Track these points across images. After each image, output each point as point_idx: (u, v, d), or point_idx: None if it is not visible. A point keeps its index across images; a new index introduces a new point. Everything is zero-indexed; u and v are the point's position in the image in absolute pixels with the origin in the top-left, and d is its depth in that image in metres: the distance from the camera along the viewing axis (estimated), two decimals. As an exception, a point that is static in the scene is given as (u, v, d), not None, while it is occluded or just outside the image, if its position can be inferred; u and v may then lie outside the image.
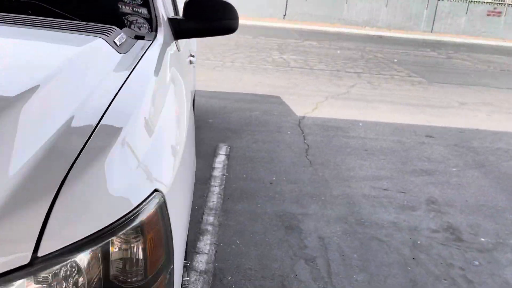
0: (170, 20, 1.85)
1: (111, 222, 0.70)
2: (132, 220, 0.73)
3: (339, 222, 2.76)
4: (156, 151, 0.91)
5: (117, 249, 0.72)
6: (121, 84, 1.02)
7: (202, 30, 1.94)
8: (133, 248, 0.74)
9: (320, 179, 3.40)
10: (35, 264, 0.62)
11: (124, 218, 0.72)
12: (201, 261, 2.24)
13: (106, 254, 0.71)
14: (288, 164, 3.65)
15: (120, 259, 0.73)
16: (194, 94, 3.74)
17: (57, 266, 0.65)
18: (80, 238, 0.67)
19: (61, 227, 0.65)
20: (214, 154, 3.70)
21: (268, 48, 10.64)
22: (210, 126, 4.47)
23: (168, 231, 0.83)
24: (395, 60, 10.39)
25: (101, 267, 0.71)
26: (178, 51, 1.90)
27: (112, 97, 0.95)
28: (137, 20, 1.67)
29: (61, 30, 1.22)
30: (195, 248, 2.34)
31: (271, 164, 3.61)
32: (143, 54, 1.31)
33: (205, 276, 2.13)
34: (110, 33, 1.30)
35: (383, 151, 4.14)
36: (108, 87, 0.99)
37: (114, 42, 1.26)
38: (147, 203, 0.77)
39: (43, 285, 0.64)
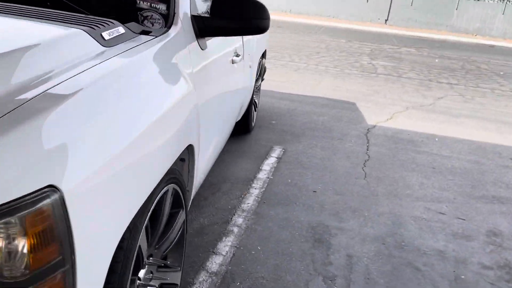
0: (194, 17, 1.84)
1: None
2: (10, 212, 0.73)
3: (375, 242, 2.55)
4: (74, 149, 0.88)
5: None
6: (76, 74, 1.03)
7: (229, 29, 1.91)
8: (10, 240, 0.74)
9: (370, 193, 3.18)
10: None
11: (1, 207, 0.72)
12: (215, 262, 2.21)
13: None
14: (340, 174, 3.47)
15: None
16: (252, 95, 3.73)
17: None
18: None
19: None
20: (266, 156, 3.65)
21: (359, 52, 10.27)
22: (272, 127, 4.42)
23: (64, 230, 0.80)
24: (501, 73, 9.39)
25: None
26: (202, 49, 1.88)
27: (53, 84, 0.95)
28: (152, 15, 1.68)
29: (50, 21, 1.27)
30: (213, 248, 2.32)
31: (322, 172, 3.46)
32: (130, 48, 1.31)
33: (214, 278, 2.10)
34: (101, 26, 1.32)
35: (453, 171, 3.75)
36: (59, 73, 1.01)
37: (101, 35, 1.28)
38: (35, 197, 0.76)
39: None
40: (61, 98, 0.94)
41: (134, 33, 1.47)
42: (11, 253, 0.74)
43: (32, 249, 0.76)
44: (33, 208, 0.75)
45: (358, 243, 2.52)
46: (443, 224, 2.84)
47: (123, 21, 1.56)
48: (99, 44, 1.25)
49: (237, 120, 3.49)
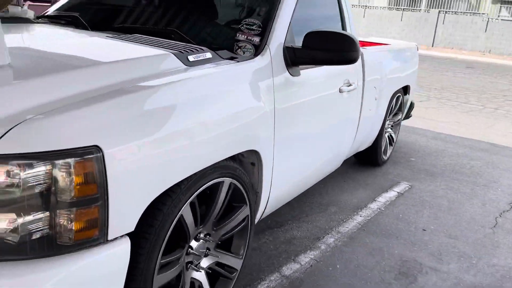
0: (287, 48, 2.17)
1: (52, 149, 1.16)
2: (70, 155, 1.17)
3: (468, 290, 2.36)
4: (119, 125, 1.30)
5: (55, 169, 1.17)
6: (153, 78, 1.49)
7: (318, 60, 2.17)
8: (65, 174, 1.18)
9: (490, 243, 2.89)
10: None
11: (59, 152, 1.17)
12: (291, 268, 2.41)
13: (49, 170, 1.17)
14: (464, 219, 3.23)
15: (53, 178, 1.18)
16: (382, 129, 3.77)
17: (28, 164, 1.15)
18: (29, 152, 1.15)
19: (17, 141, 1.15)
20: (387, 190, 3.64)
21: (559, 98, 8.85)
22: (408, 164, 4.32)
23: (102, 178, 1.22)
24: None
25: (47, 180, 1.18)
26: (292, 75, 2.18)
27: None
28: (246, 45, 2.08)
29: (155, 47, 1.77)
30: (295, 257, 2.53)
31: (442, 214, 3.28)
32: (208, 68, 1.72)
33: (284, 280, 2.31)
34: (190, 51, 1.77)
35: None
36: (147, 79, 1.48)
37: (187, 57, 1.72)
38: (83, 151, 1.19)
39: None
40: (135, 92, 1.40)
41: (220, 58, 1.88)
42: (65, 182, 1.19)
43: (77, 184, 1.20)
44: (82, 157, 1.19)
45: (442, 285, 2.38)
46: None
47: (230, 50, 2.01)
48: (182, 64, 1.69)
49: (358, 151, 3.61)
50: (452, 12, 19.68)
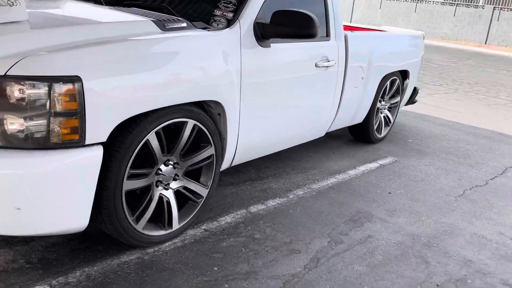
0: (257, 23, 2.65)
1: (48, 75, 1.74)
2: (58, 79, 1.75)
3: (406, 237, 2.74)
4: (99, 64, 1.86)
5: (50, 89, 1.75)
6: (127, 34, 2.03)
7: (283, 34, 2.64)
8: (55, 93, 1.75)
9: (447, 208, 3.23)
10: (6, 76, 1.72)
11: (52, 77, 1.74)
12: (256, 208, 2.90)
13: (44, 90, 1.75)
14: (433, 189, 3.56)
15: (48, 94, 1.75)
16: (373, 108, 4.13)
17: (31, 83, 1.74)
18: (28, 75, 1.73)
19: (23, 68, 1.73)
20: (370, 161, 4.02)
21: None
22: (403, 144, 4.64)
23: (81, 98, 1.78)
24: None
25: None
26: (262, 46, 2.66)
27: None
28: (220, 19, 2.58)
29: (140, 15, 2.32)
30: (263, 201, 3.01)
31: (414, 183, 3.62)
32: (179, 32, 2.25)
33: (248, 215, 2.80)
34: (168, 20, 2.30)
35: None
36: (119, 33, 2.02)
37: (163, 25, 2.26)
38: (70, 77, 1.76)
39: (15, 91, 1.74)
40: (114, 43, 1.95)
41: (194, 27, 2.40)
42: (56, 99, 1.76)
43: (64, 101, 1.76)
44: (67, 83, 1.76)
45: (387, 233, 2.78)
46: None
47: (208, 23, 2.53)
48: (158, 29, 2.23)
49: (347, 125, 4.00)
50: (508, 9, 18.94)
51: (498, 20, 18.91)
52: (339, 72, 3.47)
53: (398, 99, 4.67)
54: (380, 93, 4.24)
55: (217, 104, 2.46)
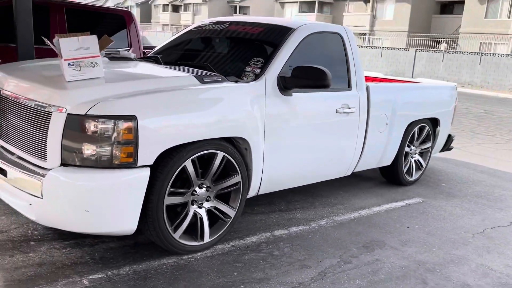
0: (281, 77, 3.24)
1: (114, 114, 2.42)
2: (119, 117, 2.42)
3: (410, 262, 3.03)
4: (151, 107, 2.52)
5: (114, 124, 2.43)
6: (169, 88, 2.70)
7: (302, 85, 3.22)
8: (118, 127, 2.42)
9: (462, 242, 3.45)
10: (86, 116, 2.42)
11: (117, 116, 2.42)
12: (280, 232, 3.35)
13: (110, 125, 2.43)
14: (453, 226, 3.79)
15: (113, 128, 2.43)
16: (401, 152, 4.49)
17: (102, 121, 2.43)
18: (100, 114, 2.42)
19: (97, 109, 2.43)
20: (397, 200, 4.31)
21: None
22: (436, 188, 4.87)
23: (136, 132, 2.43)
24: None
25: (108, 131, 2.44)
26: (284, 95, 3.24)
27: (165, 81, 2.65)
28: (249, 74, 3.21)
29: (184, 71, 3.01)
30: (287, 228, 3.45)
31: (435, 221, 3.87)
32: (214, 84, 2.89)
33: (271, 237, 3.26)
34: (207, 75, 2.96)
35: None
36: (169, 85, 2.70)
37: (202, 79, 2.92)
38: (128, 117, 2.43)
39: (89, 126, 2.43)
40: (162, 92, 2.63)
41: (227, 80, 3.05)
42: (118, 132, 2.42)
43: (123, 133, 2.42)
44: (126, 120, 2.43)
45: (395, 258, 3.09)
46: None
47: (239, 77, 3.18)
48: (198, 82, 2.89)
49: (374, 166, 4.37)
50: None
51: None
52: (361, 118, 3.93)
53: (429, 145, 4.98)
54: (408, 139, 4.60)
55: (244, 140, 3.04)
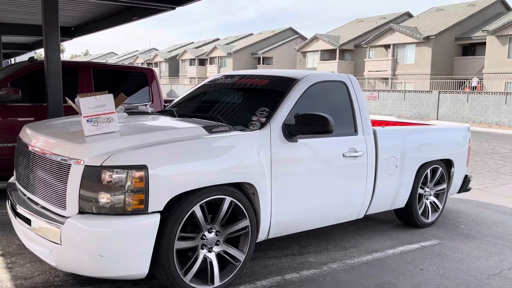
0: (285, 124, 3.43)
1: (126, 164, 2.63)
2: (134, 168, 2.62)
3: (422, 304, 3.01)
4: (159, 157, 2.72)
5: (127, 174, 2.63)
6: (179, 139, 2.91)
7: (305, 131, 3.39)
8: (131, 176, 2.62)
9: (477, 284, 3.40)
10: (101, 166, 2.64)
11: (129, 166, 2.63)
12: (290, 276, 3.40)
13: (122, 175, 2.64)
14: (468, 267, 3.74)
15: (126, 177, 2.63)
16: (414, 193, 4.51)
17: (116, 171, 2.64)
18: (115, 165, 2.64)
19: (111, 160, 2.65)
20: (412, 243, 4.29)
21: None
22: (454, 229, 4.81)
23: (147, 180, 2.63)
24: None
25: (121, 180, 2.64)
26: (289, 142, 3.40)
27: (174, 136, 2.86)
28: (255, 123, 3.41)
29: (192, 123, 3.23)
30: (298, 271, 3.49)
31: (451, 262, 3.83)
32: (222, 134, 3.09)
33: (282, 281, 3.31)
34: (215, 126, 3.17)
35: None
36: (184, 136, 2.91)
37: (210, 129, 3.13)
38: (139, 166, 2.63)
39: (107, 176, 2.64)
40: (171, 143, 2.84)
41: (234, 129, 3.24)
42: (130, 180, 2.62)
43: (135, 182, 2.62)
44: (138, 169, 2.63)
45: (406, 300, 3.07)
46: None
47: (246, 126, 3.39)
48: (206, 132, 3.10)
49: (387, 209, 4.40)
50: None
51: None
52: (370, 162, 4.03)
53: (444, 186, 4.97)
54: (420, 180, 4.63)
55: (251, 185, 3.19)
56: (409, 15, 40.54)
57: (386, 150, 4.21)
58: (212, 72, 50.73)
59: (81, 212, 2.69)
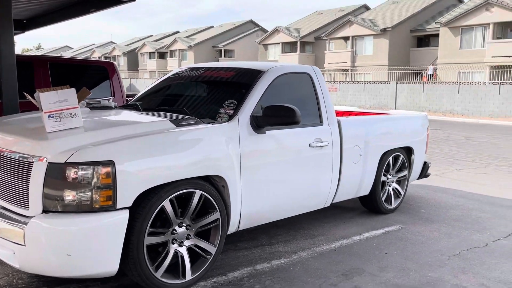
0: (253, 116, 3.43)
1: (92, 160, 2.56)
2: (99, 163, 2.56)
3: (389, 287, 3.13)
4: (126, 153, 2.67)
5: (94, 170, 2.57)
6: (147, 132, 2.86)
7: (273, 123, 3.41)
8: (97, 172, 2.56)
9: (439, 264, 3.56)
10: (66, 163, 2.56)
11: (95, 162, 2.56)
12: (262, 266, 3.43)
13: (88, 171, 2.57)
14: (430, 249, 3.90)
15: (92, 174, 2.56)
16: (377, 181, 4.65)
17: (81, 167, 2.56)
18: (80, 161, 2.57)
19: (77, 156, 2.58)
20: (377, 228, 4.43)
21: None
22: (415, 214, 5.00)
23: (114, 176, 2.57)
24: None
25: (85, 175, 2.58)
26: (257, 133, 3.41)
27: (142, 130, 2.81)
28: (224, 115, 3.40)
29: (160, 117, 3.19)
30: (269, 261, 3.54)
31: (414, 246, 3.99)
32: (189, 127, 3.06)
33: (253, 271, 3.34)
34: (182, 119, 3.14)
35: None
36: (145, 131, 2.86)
37: (178, 122, 3.09)
38: (106, 162, 2.57)
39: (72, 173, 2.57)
40: (138, 137, 2.78)
41: (202, 122, 3.22)
42: (97, 177, 2.55)
43: (102, 178, 2.56)
44: (105, 165, 2.57)
45: (373, 284, 3.18)
46: (478, 295, 3.02)
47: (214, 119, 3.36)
48: (173, 125, 3.07)
49: (352, 196, 4.51)
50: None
51: (545, 95, 18.81)
52: (335, 151, 4.11)
53: (405, 173, 5.15)
54: (383, 168, 4.78)
55: (221, 178, 3.18)
56: (366, 7, 41.37)
57: (350, 139, 4.31)
58: (173, 66, 49.97)
59: (45, 211, 2.61)
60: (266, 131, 3.51)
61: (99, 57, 57.76)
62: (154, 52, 53.88)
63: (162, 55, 53.76)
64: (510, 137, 13.21)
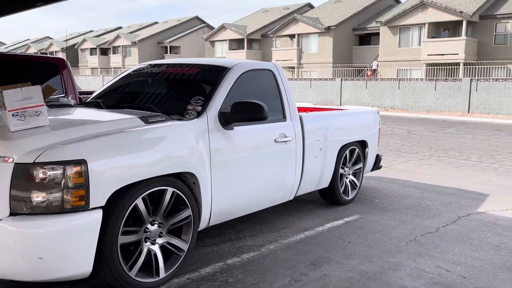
0: (221, 113, 3.47)
1: (63, 159, 2.49)
2: (70, 163, 2.49)
3: (355, 274, 3.30)
4: (98, 151, 2.62)
5: (64, 170, 2.49)
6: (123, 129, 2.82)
7: (241, 119, 3.46)
8: (68, 172, 2.49)
9: (397, 250, 3.79)
10: (34, 163, 2.47)
11: (66, 161, 2.49)
12: (232, 260, 3.49)
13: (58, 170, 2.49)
14: (388, 236, 4.14)
15: (63, 174, 2.49)
16: (336, 174, 4.84)
17: (51, 167, 2.48)
18: (50, 161, 2.48)
19: (46, 156, 2.49)
20: (337, 219, 4.62)
21: None
22: (371, 204, 5.26)
23: (86, 175, 2.51)
24: None
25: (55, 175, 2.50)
26: (226, 129, 3.45)
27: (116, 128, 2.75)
28: (192, 112, 3.41)
29: (128, 114, 3.14)
30: (239, 255, 3.60)
31: (373, 234, 4.21)
32: (158, 123, 3.04)
33: (225, 266, 3.38)
34: (151, 116, 3.11)
35: None
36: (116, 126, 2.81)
37: (147, 120, 3.06)
38: (77, 161, 2.51)
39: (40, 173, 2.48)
40: (108, 135, 2.73)
41: (171, 119, 3.21)
42: (68, 177, 2.48)
43: (74, 177, 2.49)
44: (76, 164, 2.50)
45: (340, 271, 3.33)
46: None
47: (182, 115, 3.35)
48: (143, 122, 3.03)
49: (314, 189, 4.67)
50: (484, 79, 20.36)
51: (476, 90, 20.23)
52: (298, 146, 4.23)
53: (360, 165, 5.40)
54: (341, 161, 4.98)
55: (191, 175, 3.19)
56: (310, 6, 42.31)
57: (311, 134, 4.45)
58: (116, 62, 48.46)
59: (12, 213, 2.50)
60: (234, 127, 3.56)
61: (34, 53, 54.71)
62: (95, 48, 51.92)
63: (104, 51, 51.90)
64: (446, 130, 14.12)
